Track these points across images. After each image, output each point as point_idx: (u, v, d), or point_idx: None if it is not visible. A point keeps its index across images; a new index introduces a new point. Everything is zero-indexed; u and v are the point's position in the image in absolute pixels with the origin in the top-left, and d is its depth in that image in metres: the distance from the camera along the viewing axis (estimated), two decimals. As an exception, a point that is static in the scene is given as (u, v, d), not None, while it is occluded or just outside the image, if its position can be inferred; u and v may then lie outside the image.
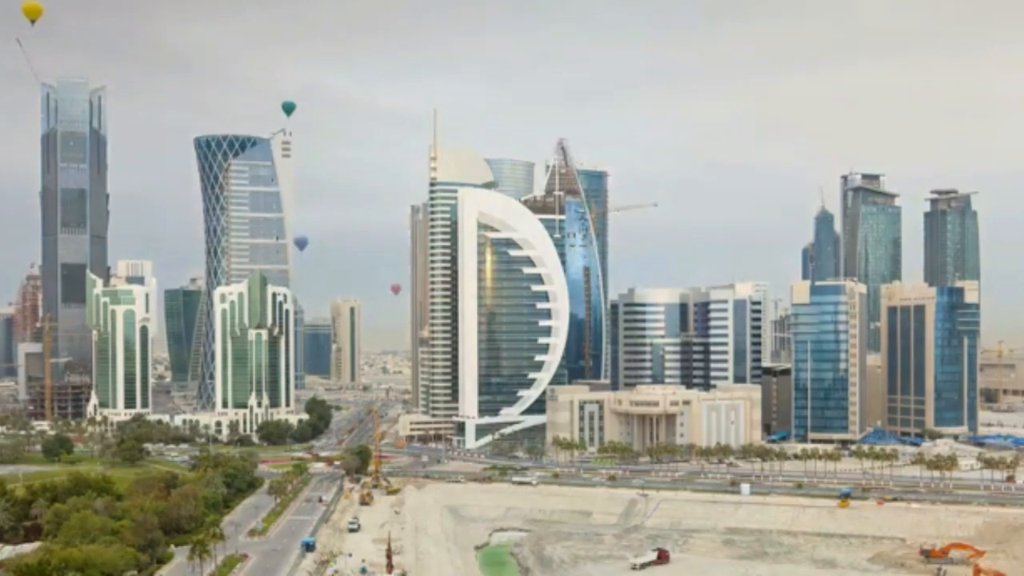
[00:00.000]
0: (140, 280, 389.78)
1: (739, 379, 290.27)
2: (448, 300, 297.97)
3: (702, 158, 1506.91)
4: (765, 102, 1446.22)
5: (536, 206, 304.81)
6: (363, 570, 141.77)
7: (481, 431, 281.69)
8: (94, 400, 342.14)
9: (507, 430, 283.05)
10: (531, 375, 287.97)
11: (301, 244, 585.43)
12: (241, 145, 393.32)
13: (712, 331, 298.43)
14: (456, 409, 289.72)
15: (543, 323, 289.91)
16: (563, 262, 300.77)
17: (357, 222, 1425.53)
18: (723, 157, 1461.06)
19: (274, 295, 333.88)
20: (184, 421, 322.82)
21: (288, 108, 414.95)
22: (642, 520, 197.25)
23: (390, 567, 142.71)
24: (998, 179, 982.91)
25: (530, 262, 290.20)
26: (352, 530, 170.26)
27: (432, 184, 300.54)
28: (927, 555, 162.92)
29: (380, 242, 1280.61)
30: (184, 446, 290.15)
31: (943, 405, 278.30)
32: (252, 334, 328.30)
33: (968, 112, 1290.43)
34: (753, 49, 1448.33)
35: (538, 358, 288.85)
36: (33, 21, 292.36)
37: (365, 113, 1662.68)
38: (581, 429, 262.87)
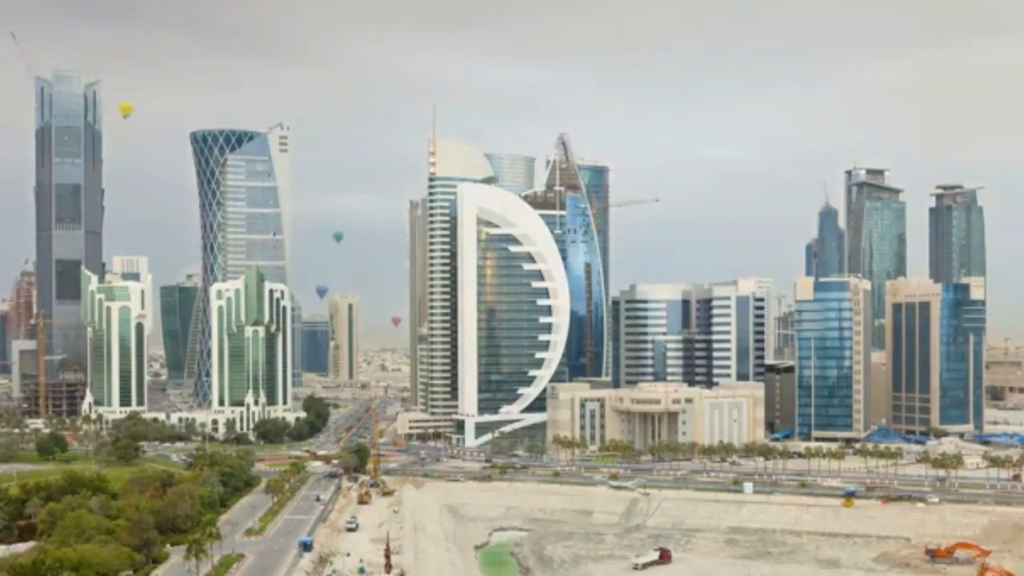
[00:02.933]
0: (136, 276, 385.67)
1: (742, 376, 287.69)
2: (447, 297, 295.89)
3: (705, 152, 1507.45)
4: (772, 97, 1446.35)
5: (536, 202, 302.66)
6: (361, 570, 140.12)
7: (481, 429, 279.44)
8: (89, 398, 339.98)
9: (507, 428, 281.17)
10: (531, 372, 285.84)
11: (321, 292, 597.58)
12: (238, 140, 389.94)
13: (715, 328, 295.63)
14: (455, 407, 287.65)
15: (543, 320, 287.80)
16: (564, 258, 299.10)
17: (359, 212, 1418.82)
18: (728, 150, 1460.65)
19: (271, 291, 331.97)
20: (180, 419, 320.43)
21: (338, 237, 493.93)
22: (644, 519, 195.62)
23: (388, 567, 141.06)
24: (1005, 173, 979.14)
25: (530, 258, 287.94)
26: (350, 529, 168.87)
27: (431, 179, 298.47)
28: (932, 555, 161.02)
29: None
30: (180, 444, 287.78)
31: (948, 403, 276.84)
32: (249, 331, 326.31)
33: (975, 105, 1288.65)
34: (756, 45, 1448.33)
35: (538, 355, 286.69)
36: (125, 116, 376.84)
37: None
38: (582, 427, 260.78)
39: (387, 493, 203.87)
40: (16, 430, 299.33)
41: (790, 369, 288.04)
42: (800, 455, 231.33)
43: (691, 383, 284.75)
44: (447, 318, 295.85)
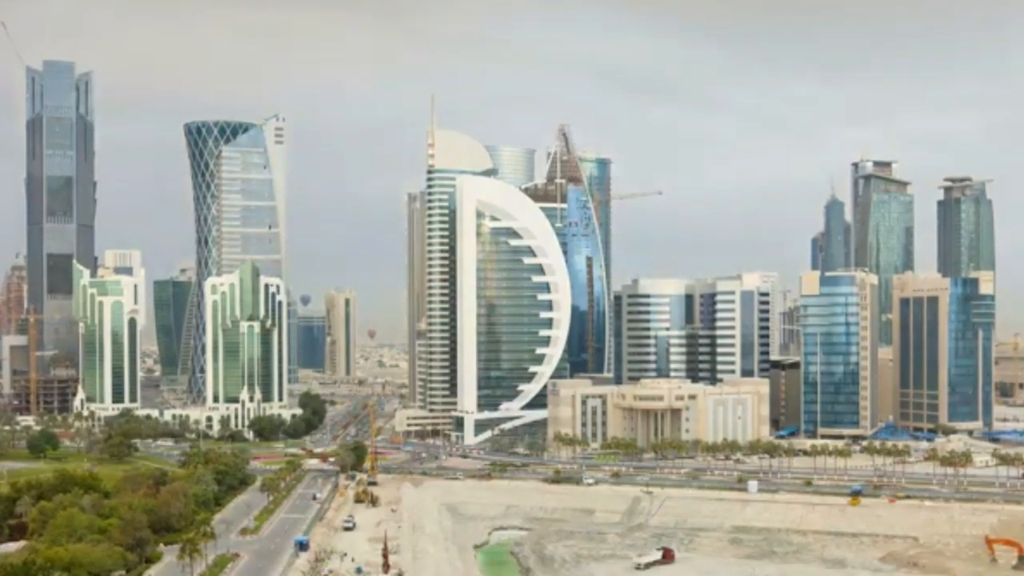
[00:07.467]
0: (128, 271, 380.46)
1: (746, 373, 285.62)
2: (446, 291, 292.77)
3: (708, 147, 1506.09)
4: (778, 93, 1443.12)
5: (537, 194, 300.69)
6: (359, 570, 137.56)
7: (480, 427, 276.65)
8: (81, 395, 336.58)
9: (507, 425, 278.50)
10: (532, 369, 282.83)
11: (305, 301, 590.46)
12: (233, 131, 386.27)
13: (719, 323, 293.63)
14: (454, 404, 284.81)
15: (544, 315, 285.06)
16: (565, 252, 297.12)
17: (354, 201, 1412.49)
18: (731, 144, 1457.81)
19: (266, 286, 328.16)
20: (174, 416, 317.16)
21: (305, 301, 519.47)
22: (646, 518, 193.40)
23: (387, 567, 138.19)
24: (1013, 167, 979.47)
25: (531, 252, 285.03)
26: (347, 529, 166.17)
27: (429, 171, 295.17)
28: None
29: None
30: (174, 442, 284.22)
31: (957, 400, 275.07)
32: (244, 326, 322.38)
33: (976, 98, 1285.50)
34: (772, 36, 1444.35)
35: (539, 351, 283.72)
36: None
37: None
38: (583, 424, 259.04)
39: (373, 502, 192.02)
40: (6, 427, 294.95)
41: (795, 365, 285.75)
42: (806, 453, 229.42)
43: (695, 379, 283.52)
44: (446, 313, 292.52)
